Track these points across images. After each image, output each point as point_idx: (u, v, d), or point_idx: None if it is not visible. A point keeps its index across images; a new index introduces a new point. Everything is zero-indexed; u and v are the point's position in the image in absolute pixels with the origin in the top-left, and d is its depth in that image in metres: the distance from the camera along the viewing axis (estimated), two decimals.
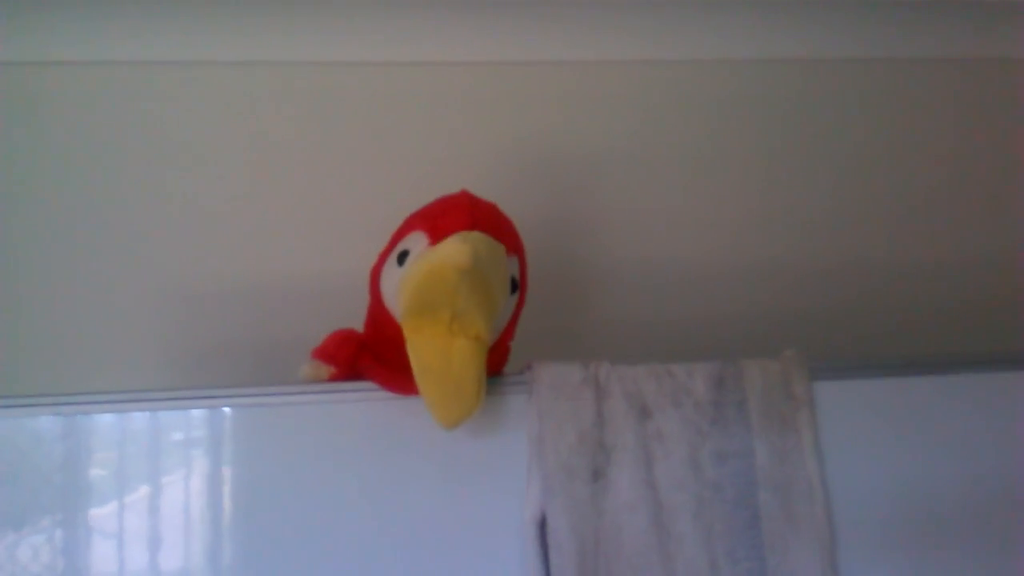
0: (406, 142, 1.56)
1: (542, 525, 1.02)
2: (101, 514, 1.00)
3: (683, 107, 1.63)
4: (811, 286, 1.57)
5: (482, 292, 0.97)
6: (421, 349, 0.97)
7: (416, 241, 1.04)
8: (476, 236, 1.00)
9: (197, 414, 1.03)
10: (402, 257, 1.04)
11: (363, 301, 1.14)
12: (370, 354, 1.07)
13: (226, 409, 1.03)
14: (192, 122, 1.55)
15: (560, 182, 1.57)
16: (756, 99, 1.65)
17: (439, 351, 0.97)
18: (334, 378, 1.06)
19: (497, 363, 1.11)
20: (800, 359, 1.09)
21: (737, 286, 1.56)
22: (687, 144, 1.62)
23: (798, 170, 1.63)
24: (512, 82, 1.60)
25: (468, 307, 0.96)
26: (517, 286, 1.08)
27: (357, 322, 1.14)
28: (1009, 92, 1.69)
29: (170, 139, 1.54)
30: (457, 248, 0.95)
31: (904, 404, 1.08)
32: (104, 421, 1.02)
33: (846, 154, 1.65)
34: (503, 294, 1.04)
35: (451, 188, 1.13)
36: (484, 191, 1.10)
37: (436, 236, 1.02)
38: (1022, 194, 1.66)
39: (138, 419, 1.03)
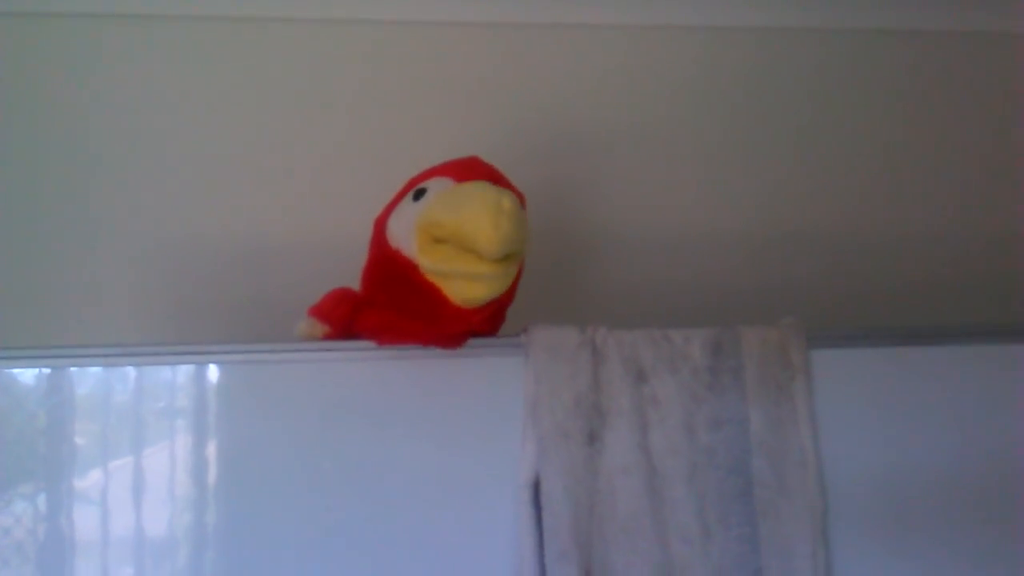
0: (406, 102, 1.54)
1: (536, 487, 1.02)
2: (86, 470, 0.99)
3: (689, 75, 1.61)
4: (812, 255, 1.57)
5: (517, 231, 0.96)
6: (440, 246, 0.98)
7: (437, 183, 1.03)
8: (505, 192, 0.97)
9: (184, 370, 1.01)
10: (419, 194, 1.03)
11: (359, 262, 1.12)
12: (367, 309, 1.05)
13: (213, 366, 1.01)
14: (186, 76, 1.51)
15: (563, 147, 1.55)
16: (762, 69, 1.64)
17: None
18: (328, 337, 1.04)
19: (494, 326, 1.09)
20: (798, 327, 1.09)
21: (739, 254, 1.56)
22: (691, 112, 1.61)
23: (801, 140, 1.62)
24: (519, 44, 1.58)
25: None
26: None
27: (353, 281, 1.12)
28: (1008, 66, 1.69)
29: (164, 94, 1.50)
30: (498, 194, 0.95)
31: (900, 374, 1.08)
32: (89, 375, 1.00)
33: (848, 125, 1.65)
34: (526, 245, 1.02)
35: (452, 151, 1.11)
36: (487, 153, 1.09)
37: (462, 175, 1.02)
38: (1021, 168, 1.67)
39: (123, 374, 1.01)
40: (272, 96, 1.52)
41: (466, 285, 0.98)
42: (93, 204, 1.46)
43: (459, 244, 0.96)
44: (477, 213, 0.94)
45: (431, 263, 0.98)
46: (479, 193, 0.97)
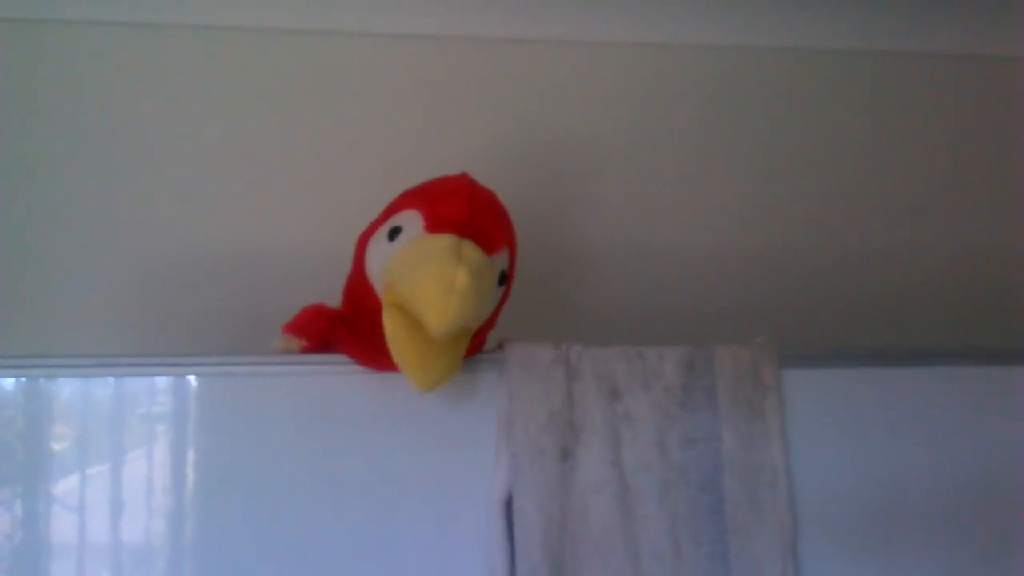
0: (396, 116, 1.55)
1: (509, 504, 1.03)
2: (62, 481, 0.99)
3: (672, 93, 1.62)
4: (787, 274, 1.58)
5: (472, 305, 0.95)
6: (401, 318, 0.96)
7: (410, 220, 1.02)
8: (469, 250, 0.96)
9: (162, 382, 1.02)
10: (393, 233, 1.02)
11: (339, 277, 1.12)
12: (343, 327, 1.06)
13: (191, 378, 1.02)
14: (174, 86, 1.52)
15: (545, 163, 1.56)
16: (747, 88, 1.65)
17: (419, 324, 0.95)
18: (305, 351, 1.05)
19: (473, 350, 1.09)
20: (770, 346, 1.10)
21: (718, 271, 1.56)
22: (671, 130, 1.62)
23: (780, 160, 1.63)
24: (509, 60, 1.59)
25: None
26: (504, 279, 1.06)
27: (331, 297, 1.13)
28: (1006, 90, 1.71)
29: (150, 102, 1.51)
30: (454, 269, 0.92)
31: (872, 394, 1.09)
32: (67, 385, 1.01)
33: (829, 145, 1.66)
34: (489, 304, 1.02)
35: (440, 165, 1.12)
36: (472, 167, 1.09)
37: (432, 221, 1.00)
38: (1004, 192, 1.68)
39: (102, 385, 1.01)
40: (259, 108, 1.53)
41: (422, 359, 0.96)
42: (74, 213, 1.46)
43: (412, 313, 0.95)
44: (427, 290, 0.92)
45: (390, 329, 0.96)
46: (434, 265, 0.94)
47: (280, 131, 1.53)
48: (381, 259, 1.03)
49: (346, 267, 1.11)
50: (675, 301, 1.53)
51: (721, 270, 1.56)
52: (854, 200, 1.64)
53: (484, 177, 1.09)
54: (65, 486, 0.99)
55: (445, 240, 0.97)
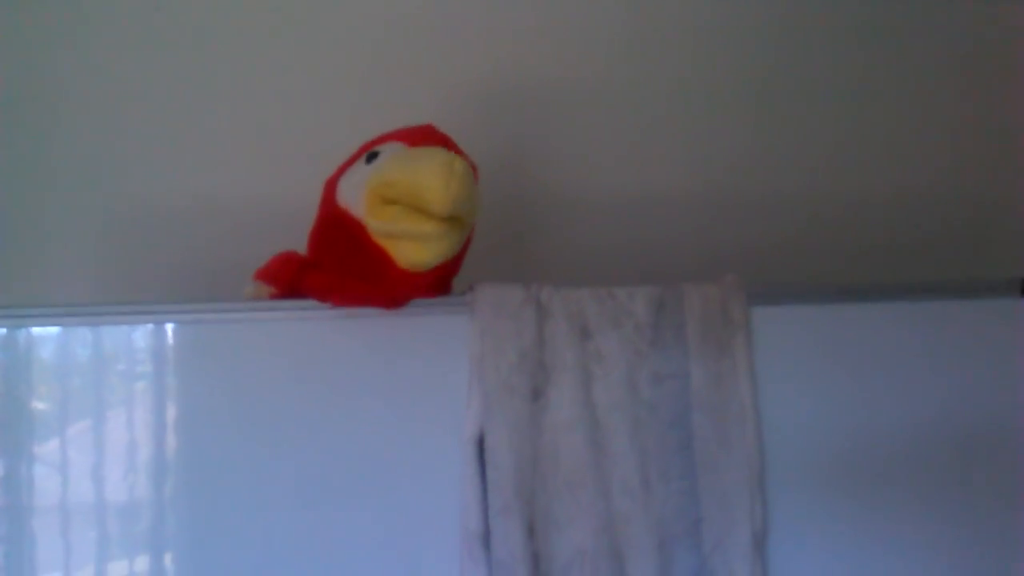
0: (365, 60, 1.53)
1: (481, 443, 1.04)
2: (41, 430, 1.01)
3: (637, 35, 1.59)
4: (756, 215, 1.57)
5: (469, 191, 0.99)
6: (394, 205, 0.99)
7: (390, 147, 1.05)
8: (457, 158, 0.99)
9: (139, 329, 1.03)
10: (371, 157, 1.05)
11: (309, 225, 1.13)
12: (312, 270, 1.07)
13: (168, 326, 1.03)
14: (141, 32, 1.50)
15: (511, 108, 1.54)
16: (712, 28, 1.61)
17: None
18: (274, 298, 1.06)
19: (439, 293, 1.10)
20: (739, 284, 1.10)
21: (688, 216, 1.55)
22: (639, 74, 1.59)
23: (748, 102, 1.61)
24: (474, 4, 1.57)
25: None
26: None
27: (298, 245, 1.13)
28: (1008, 27, 1.66)
29: (115, 50, 1.49)
30: (450, 156, 0.97)
31: (840, 331, 1.09)
32: (43, 334, 1.02)
33: (796, 87, 1.62)
34: (476, 208, 1.04)
35: (408, 115, 1.12)
36: (442, 111, 1.10)
37: (414, 143, 1.04)
38: (978, 132, 1.64)
39: (79, 334, 1.03)
40: (228, 55, 1.52)
41: (412, 247, 0.99)
42: (45, 162, 1.46)
43: (409, 202, 0.97)
44: (429, 171, 0.96)
45: (379, 223, 1.00)
46: (432, 154, 0.99)
47: (251, 78, 1.51)
48: (360, 178, 1.04)
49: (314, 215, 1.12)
50: (645, 245, 1.52)
51: (693, 214, 1.55)
52: (827, 145, 1.62)
53: (455, 122, 1.09)
54: (45, 438, 1.02)
55: (435, 147, 1.02)
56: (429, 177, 0.95)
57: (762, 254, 1.53)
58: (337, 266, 1.06)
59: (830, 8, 1.63)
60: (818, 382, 1.09)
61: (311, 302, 1.05)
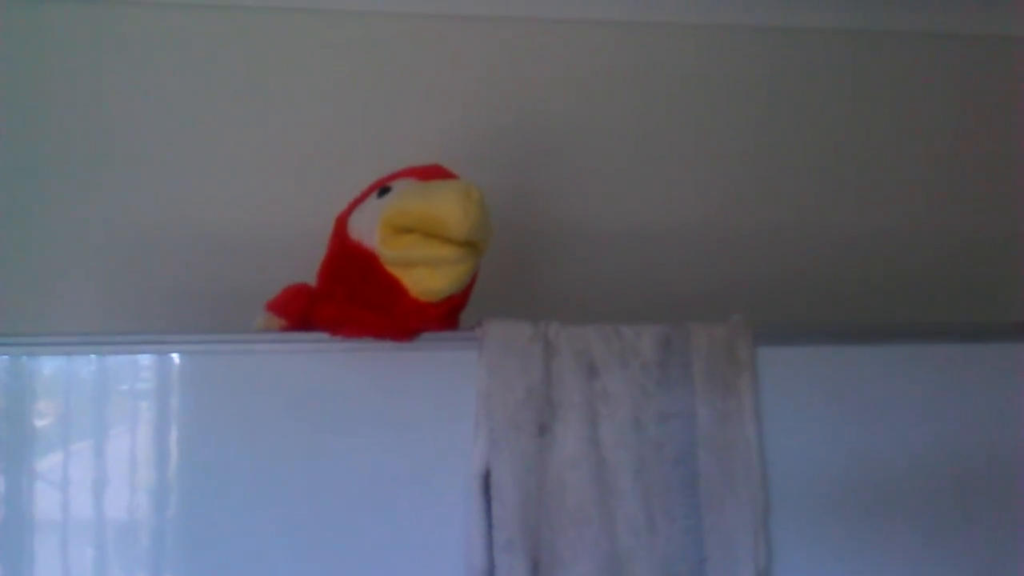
0: (377, 97, 1.55)
1: (487, 478, 1.04)
2: (44, 458, 1.00)
3: (646, 72, 1.62)
4: (763, 252, 1.58)
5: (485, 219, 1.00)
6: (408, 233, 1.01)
7: (402, 183, 1.07)
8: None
9: (145, 359, 1.03)
10: (384, 191, 1.07)
11: (320, 253, 1.13)
12: (323, 303, 1.07)
13: (174, 355, 1.03)
14: (157, 63, 1.51)
15: (522, 142, 1.56)
16: (722, 66, 1.65)
17: None
18: (284, 330, 1.07)
19: (448, 326, 1.11)
20: (746, 324, 1.11)
21: (696, 251, 1.57)
22: (648, 110, 1.62)
23: (754, 138, 1.64)
24: (484, 38, 1.59)
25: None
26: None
27: (311, 276, 1.14)
28: (1005, 71, 1.71)
29: (133, 79, 1.50)
30: (467, 183, 0.99)
31: (845, 372, 1.11)
32: (49, 364, 1.02)
33: (802, 123, 1.66)
34: (490, 238, 1.05)
35: (417, 148, 1.14)
36: (446, 147, 1.11)
37: (426, 177, 1.06)
38: (989, 176, 1.68)
39: (85, 363, 1.02)
40: (243, 87, 1.53)
41: (427, 273, 1.01)
42: (57, 191, 1.46)
43: (426, 229, 0.99)
44: (446, 198, 0.97)
45: (393, 252, 1.01)
46: (447, 183, 1.01)
47: (262, 110, 1.53)
48: (372, 212, 1.05)
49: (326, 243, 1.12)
50: (652, 281, 1.54)
51: (701, 249, 1.57)
52: (832, 182, 1.65)
53: (458, 157, 1.11)
54: (48, 464, 1.01)
55: (450, 179, 1.04)
56: (447, 203, 0.97)
57: (768, 289, 1.55)
58: (348, 298, 1.06)
59: (838, 44, 1.67)
60: (823, 422, 1.10)
61: (319, 335, 1.05)
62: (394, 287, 1.02)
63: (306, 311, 1.07)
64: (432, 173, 1.09)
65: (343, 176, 1.16)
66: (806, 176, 1.63)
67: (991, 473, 1.12)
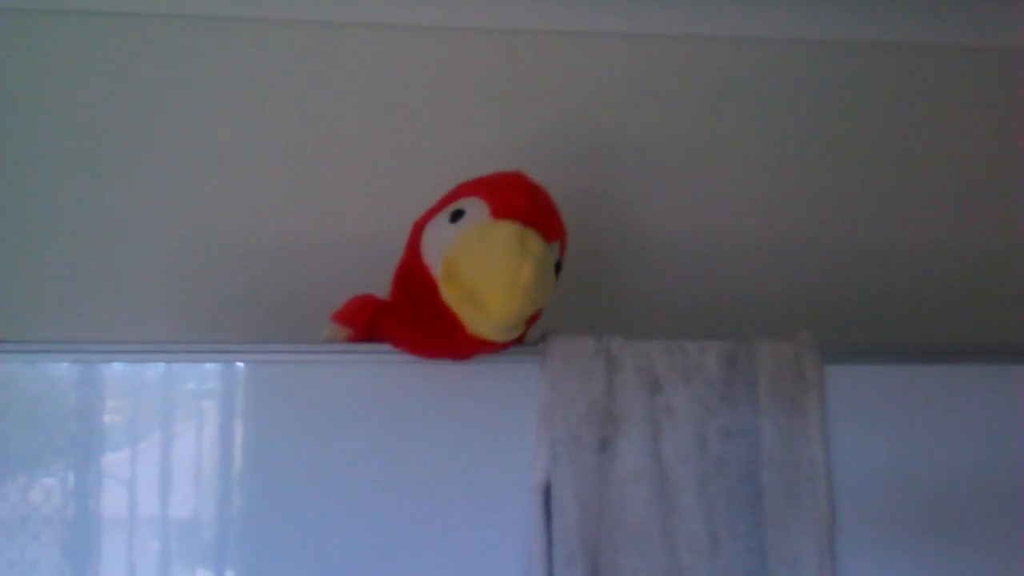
0: (437, 106, 1.54)
1: (547, 492, 1.04)
2: (112, 461, 1.02)
3: (712, 84, 1.60)
4: (833, 268, 1.56)
5: (535, 298, 1.00)
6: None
7: (474, 206, 1.05)
8: (533, 241, 1.00)
9: (211, 368, 1.04)
10: (456, 215, 1.05)
11: (388, 267, 1.13)
12: (389, 315, 1.08)
13: (240, 364, 1.04)
14: (216, 74, 1.52)
15: (587, 154, 1.55)
16: (783, 78, 1.62)
17: None
18: (351, 340, 1.07)
19: (517, 342, 1.10)
20: (813, 342, 1.09)
21: (760, 265, 1.55)
22: (714, 121, 1.59)
23: (825, 150, 1.61)
24: (544, 50, 1.58)
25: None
26: (560, 269, 1.10)
27: (377, 286, 1.14)
28: (1012, 80, 1.67)
29: (200, 91, 1.51)
30: (519, 262, 0.97)
31: (914, 391, 1.09)
32: (119, 370, 1.04)
33: (872, 139, 1.62)
34: (549, 292, 1.05)
35: (475, 156, 1.13)
36: (516, 160, 1.10)
37: (497, 207, 1.03)
38: None
39: (152, 369, 1.04)
40: (301, 97, 1.53)
41: (480, 323, 1.00)
42: (124, 201, 1.48)
43: (472, 299, 0.99)
44: (494, 280, 0.97)
45: (449, 295, 1.00)
46: (503, 254, 0.98)
47: (329, 114, 1.53)
48: (441, 240, 1.05)
49: (394, 257, 1.12)
50: (719, 294, 1.52)
51: (766, 262, 1.55)
52: (902, 194, 1.61)
53: (530, 167, 1.09)
54: (114, 464, 1.03)
55: (511, 228, 1.01)
56: (493, 288, 0.97)
57: (836, 307, 1.53)
58: (413, 315, 1.06)
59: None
60: (890, 442, 1.08)
61: (383, 346, 1.06)
62: (453, 321, 1.01)
63: (372, 322, 1.07)
64: (507, 199, 1.05)
65: (414, 186, 1.16)
66: (875, 194, 1.60)
67: None
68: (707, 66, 1.60)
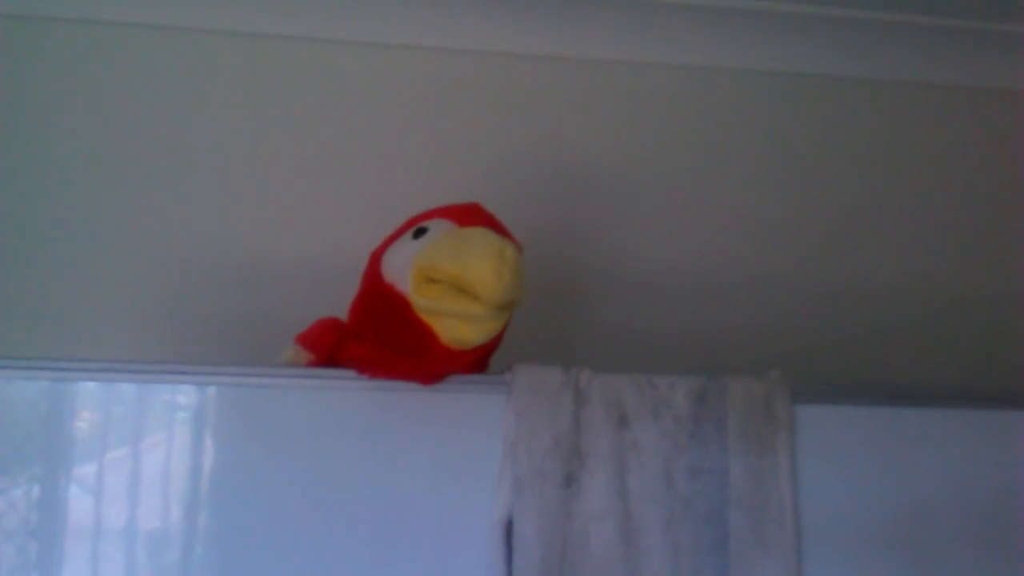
0: (407, 128, 1.55)
1: (509, 528, 1.02)
2: (79, 476, 1.01)
3: (687, 114, 1.61)
4: (806, 305, 1.56)
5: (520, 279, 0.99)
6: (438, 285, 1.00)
7: (438, 224, 1.05)
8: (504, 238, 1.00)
9: (176, 389, 1.02)
10: (419, 232, 1.05)
11: (356, 284, 1.12)
12: (353, 340, 1.07)
13: (196, 387, 1.02)
14: (190, 91, 1.53)
15: (557, 184, 1.55)
16: (764, 111, 1.64)
17: None
18: (312, 364, 1.06)
19: (478, 370, 1.09)
20: (784, 381, 1.08)
21: (731, 299, 1.55)
22: (685, 155, 1.60)
23: (800, 187, 1.62)
24: (517, 75, 1.59)
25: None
26: None
27: (342, 305, 1.13)
28: (1003, 121, 1.69)
29: (166, 107, 1.52)
30: (501, 242, 0.97)
31: (885, 434, 1.07)
32: (88, 389, 1.03)
33: (849, 173, 1.64)
34: (524, 292, 1.03)
35: (447, 179, 1.14)
36: (481, 190, 1.10)
37: (461, 221, 1.04)
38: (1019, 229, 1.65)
39: (121, 390, 1.03)
40: (274, 114, 1.54)
41: (458, 325, 0.99)
42: (93, 218, 1.48)
43: (458, 289, 0.98)
44: (480, 260, 0.96)
45: (425, 301, 1.00)
46: (482, 240, 0.98)
47: (296, 137, 1.53)
48: (406, 255, 1.03)
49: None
50: (688, 329, 1.51)
51: (736, 298, 1.55)
52: (877, 233, 1.62)
53: (497, 195, 1.10)
54: (82, 481, 1.01)
55: (483, 228, 1.01)
56: (481, 267, 0.95)
57: (806, 339, 1.52)
58: (378, 338, 1.05)
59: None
60: (860, 484, 1.06)
61: (349, 372, 1.04)
62: (425, 333, 1.00)
63: (335, 347, 1.06)
64: (469, 214, 1.06)
65: (380, 210, 1.16)
66: (853, 231, 1.60)
67: None
68: (682, 96, 1.62)
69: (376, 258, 1.09)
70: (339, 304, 1.13)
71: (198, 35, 1.54)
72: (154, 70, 1.53)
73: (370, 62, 1.57)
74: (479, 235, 0.99)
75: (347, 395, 1.04)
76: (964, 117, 1.68)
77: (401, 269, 1.03)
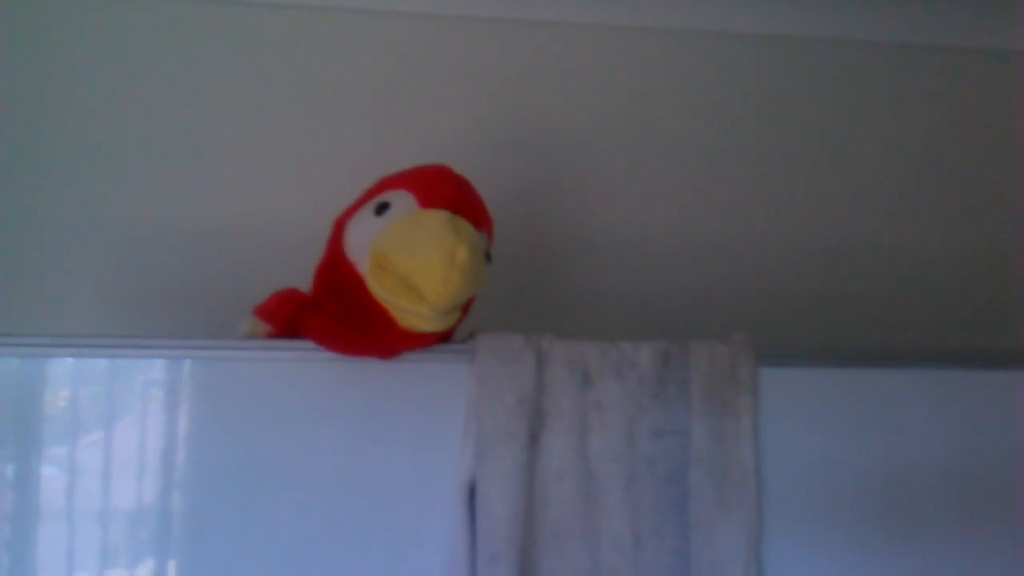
0: (381, 94, 1.51)
1: (473, 490, 1.03)
2: (52, 456, 1.03)
3: (656, 77, 1.56)
4: (777, 268, 1.54)
5: (471, 280, 0.97)
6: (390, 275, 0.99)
7: (400, 197, 1.02)
8: (464, 225, 0.99)
9: (125, 363, 1.02)
10: (381, 208, 1.02)
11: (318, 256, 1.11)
12: (312, 312, 1.06)
13: (159, 360, 1.02)
14: (162, 62, 1.48)
15: (534, 148, 1.52)
16: (734, 74, 1.58)
17: None
18: (271, 335, 1.05)
19: (443, 339, 1.08)
20: (748, 344, 1.06)
21: (702, 263, 1.53)
22: (657, 118, 1.56)
23: (769, 150, 1.58)
24: (491, 39, 1.54)
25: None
26: (489, 258, 1.06)
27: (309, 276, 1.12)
28: (1003, 84, 1.64)
29: (129, 76, 1.48)
30: (454, 241, 0.95)
31: (850, 397, 1.06)
32: (61, 364, 1.04)
33: (817, 136, 1.60)
34: (482, 280, 1.02)
35: (424, 146, 1.11)
36: (460, 149, 1.07)
37: (424, 197, 1.01)
38: (996, 191, 1.62)
39: (93, 364, 1.04)
40: (236, 80, 1.49)
41: (411, 317, 0.99)
42: (66, 193, 1.46)
43: (407, 286, 0.96)
44: (428, 265, 0.94)
45: (379, 289, 0.99)
46: (435, 238, 0.96)
47: (264, 111, 1.50)
48: (367, 233, 1.02)
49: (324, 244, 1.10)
50: (658, 290, 1.49)
51: (703, 262, 1.53)
52: (845, 196, 1.59)
53: (464, 162, 1.06)
54: (54, 459, 1.03)
55: (441, 215, 0.99)
56: (429, 270, 0.94)
57: (774, 305, 1.51)
58: (338, 312, 1.04)
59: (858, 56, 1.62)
60: (823, 446, 1.06)
61: (306, 343, 1.04)
62: (383, 315, 0.99)
63: (294, 317, 1.05)
64: (434, 188, 1.02)
65: (346, 176, 1.12)
66: (820, 192, 1.59)
67: (995, 499, 1.07)
68: (651, 59, 1.57)
69: (339, 226, 1.07)
70: (304, 271, 1.11)
71: (161, 4, 1.49)
72: (110, 37, 1.48)
73: (337, 27, 1.52)
74: (434, 230, 0.97)
75: (306, 366, 1.04)
76: (934, 77, 1.64)
77: (360, 250, 1.02)
